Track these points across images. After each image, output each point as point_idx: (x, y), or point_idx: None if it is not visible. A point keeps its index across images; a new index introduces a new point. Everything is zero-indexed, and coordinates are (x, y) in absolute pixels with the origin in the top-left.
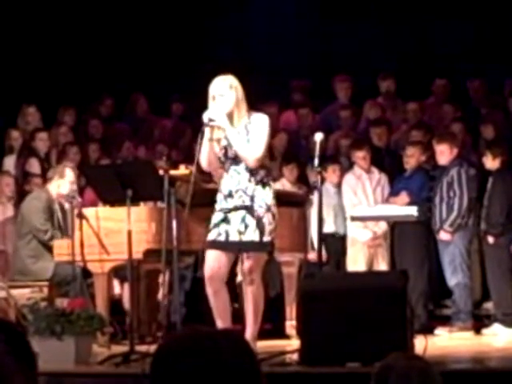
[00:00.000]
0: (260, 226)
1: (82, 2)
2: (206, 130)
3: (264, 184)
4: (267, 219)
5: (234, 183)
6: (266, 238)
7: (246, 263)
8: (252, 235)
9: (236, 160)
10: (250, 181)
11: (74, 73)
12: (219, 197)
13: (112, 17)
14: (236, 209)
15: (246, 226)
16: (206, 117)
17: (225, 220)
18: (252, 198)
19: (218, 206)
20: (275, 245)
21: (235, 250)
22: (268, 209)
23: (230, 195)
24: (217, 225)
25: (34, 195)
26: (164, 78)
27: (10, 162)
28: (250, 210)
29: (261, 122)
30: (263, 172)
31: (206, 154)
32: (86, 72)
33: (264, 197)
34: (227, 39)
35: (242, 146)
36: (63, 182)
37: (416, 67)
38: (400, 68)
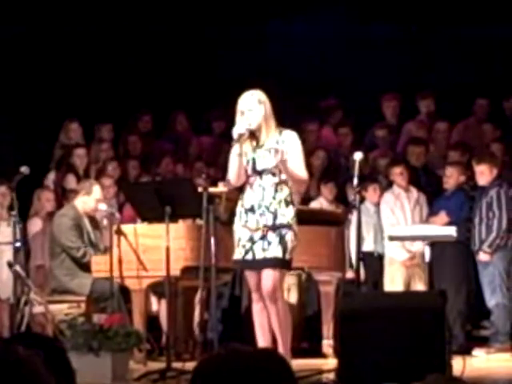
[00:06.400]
0: (283, 243)
1: (123, 22)
2: (236, 146)
3: (287, 202)
4: (289, 237)
5: (258, 198)
6: (288, 256)
7: (269, 282)
8: (274, 251)
9: (262, 175)
10: (274, 198)
11: (113, 89)
12: (239, 210)
13: (152, 34)
14: (258, 226)
15: (269, 243)
16: (235, 132)
17: (250, 239)
18: (275, 216)
19: (239, 221)
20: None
21: (261, 267)
22: (290, 227)
23: (251, 210)
24: (243, 244)
25: (62, 212)
26: (204, 96)
27: (51, 177)
28: (272, 227)
29: (295, 143)
30: (288, 190)
31: (235, 169)
32: (124, 88)
33: (286, 215)
34: (269, 58)
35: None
36: (89, 199)
37: (456, 86)
38: (440, 88)
